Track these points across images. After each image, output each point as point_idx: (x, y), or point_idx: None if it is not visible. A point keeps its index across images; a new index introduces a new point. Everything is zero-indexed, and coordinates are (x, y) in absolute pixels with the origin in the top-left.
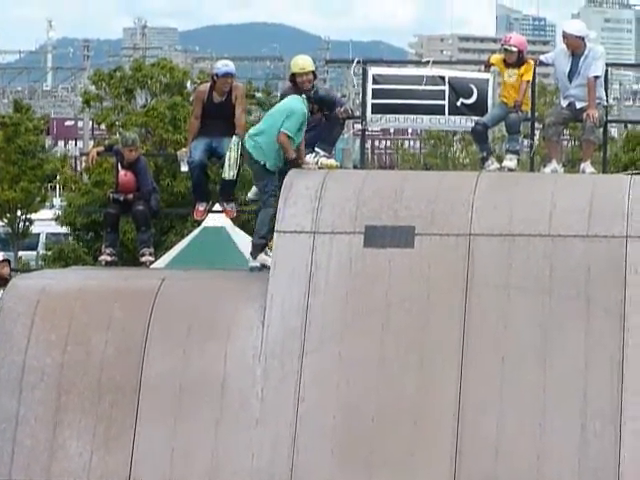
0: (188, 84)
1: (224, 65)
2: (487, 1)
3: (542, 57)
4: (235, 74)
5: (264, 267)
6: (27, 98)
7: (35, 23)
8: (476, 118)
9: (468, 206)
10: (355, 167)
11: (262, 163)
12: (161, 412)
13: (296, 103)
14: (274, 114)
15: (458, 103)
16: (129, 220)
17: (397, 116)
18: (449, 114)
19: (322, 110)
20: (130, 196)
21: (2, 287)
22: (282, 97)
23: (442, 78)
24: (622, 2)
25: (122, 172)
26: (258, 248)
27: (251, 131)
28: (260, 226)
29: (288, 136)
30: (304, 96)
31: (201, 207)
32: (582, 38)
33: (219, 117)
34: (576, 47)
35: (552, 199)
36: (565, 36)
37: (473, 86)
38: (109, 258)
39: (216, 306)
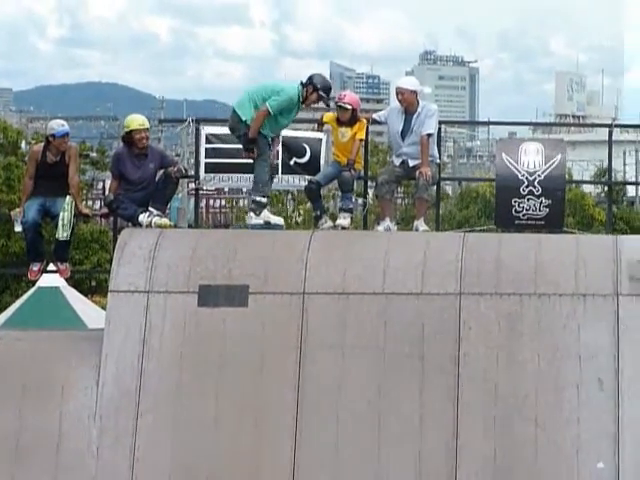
0: (22, 144)
1: (60, 125)
2: (320, 60)
3: (375, 115)
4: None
5: (268, 225)
6: None
7: None
8: (309, 177)
9: (302, 264)
10: (190, 226)
11: (244, 120)
12: None
13: (291, 89)
14: (267, 85)
15: (291, 162)
16: None
17: (230, 175)
18: (282, 173)
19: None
20: None
21: None
22: (115, 158)
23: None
24: (456, 60)
25: None
26: (261, 204)
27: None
28: (257, 181)
29: (268, 112)
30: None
31: (35, 267)
32: (415, 93)
33: (53, 177)
34: (410, 103)
35: (385, 257)
36: (399, 92)
37: (306, 145)
38: None
39: (51, 366)
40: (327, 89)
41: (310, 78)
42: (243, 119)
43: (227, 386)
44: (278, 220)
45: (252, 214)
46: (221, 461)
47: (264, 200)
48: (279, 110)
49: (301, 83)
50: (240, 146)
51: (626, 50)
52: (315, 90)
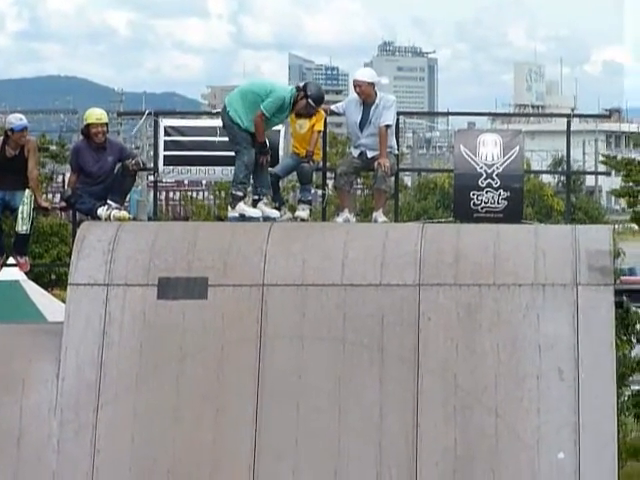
0: None
1: (19, 120)
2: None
3: (333, 107)
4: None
5: (243, 217)
6: None
7: None
8: (268, 169)
9: (261, 256)
10: (149, 219)
11: (230, 114)
12: None
13: (282, 90)
14: (256, 83)
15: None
16: None
17: (189, 168)
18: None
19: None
20: None
21: None
22: (74, 151)
23: None
24: (415, 50)
25: None
26: (236, 197)
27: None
28: (236, 174)
29: (265, 117)
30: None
31: None
32: (373, 85)
33: (12, 171)
34: (368, 95)
35: (345, 248)
36: (356, 84)
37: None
38: None
39: (10, 360)
40: (318, 99)
41: (305, 85)
42: (236, 121)
43: (187, 378)
44: (254, 213)
45: (229, 207)
46: (182, 452)
47: (240, 194)
48: (273, 112)
49: (296, 87)
50: (202, 138)
51: (584, 39)
52: (305, 97)
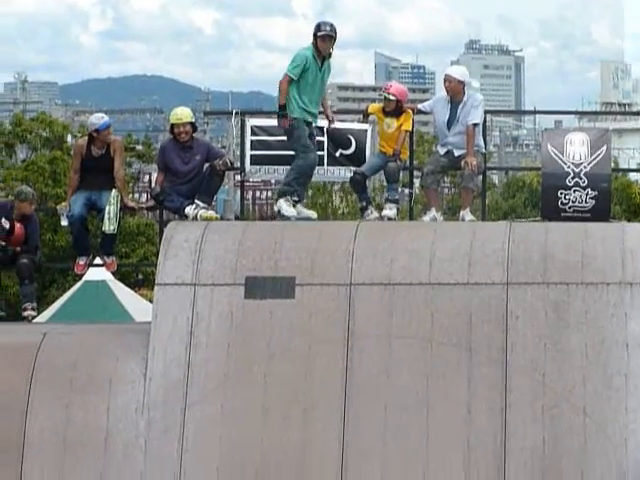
0: (68, 138)
1: (100, 119)
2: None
3: (420, 105)
4: (112, 125)
5: (278, 213)
6: None
7: None
8: (355, 168)
9: (348, 256)
10: (236, 218)
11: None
12: (46, 468)
13: (301, 50)
14: None
15: (337, 154)
16: (10, 274)
17: (276, 167)
18: (328, 165)
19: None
20: (18, 249)
21: None
22: (161, 149)
23: (321, 129)
24: (501, 48)
25: (18, 225)
26: (280, 193)
27: None
28: (287, 173)
29: (291, 79)
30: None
31: (82, 261)
32: (463, 84)
33: (98, 171)
34: (456, 92)
35: (432, 247)
36: (447, 79)
37: (351, 137)
38: None
39: (98, 360)
40: (320, 26)
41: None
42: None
43: (275, 377)
44: (290, 212)
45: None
46: (270, 451)
47: (285, 189)
48: (298, 73)
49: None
50: (285, 138)
51: None
52: (315, 37)
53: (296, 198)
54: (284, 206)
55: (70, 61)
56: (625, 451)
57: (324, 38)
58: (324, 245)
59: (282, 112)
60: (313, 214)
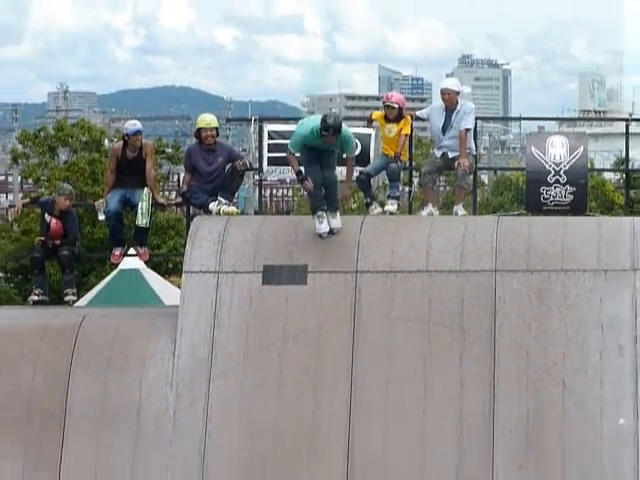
0: (105, 142)
1: (132, 125)
2: (368, 63)
3: (418, 113)
4: (142, 131)
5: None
6: None
7: None
8: (360, 168)
9: (355, 246)
10: (255, 213)
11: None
12: (84, 435)
13: (308, 121)
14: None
15: (344, 155)
16: (54, 263)
17: (290, 168)
18: (337, 165)
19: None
20: (57, 242)
21: None
22: (187, 152)
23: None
24: (491, 62)
25: (54, 220)
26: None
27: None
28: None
29: (291, 152)
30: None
31: (117, 251)
32: (458, 93)
33: (132, 171)
34: (451, 102)
35: (429, 239)
36: (445, 92)
37: (357, 140)
38: (36, 298)
39: (132, 340)
40: (326, 128)
41: (323, 117)
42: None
43: (289, 356)
44: (322, 229)
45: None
46: (284, 419)
47: (316, 212)
48: (298, 149)
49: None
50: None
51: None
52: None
53: (324, 208)
54: (316, 224)
55: (106, 73)
56: (600, 419)
57: (327, 135)
58: (333, 237)
59: (300, 178)
60: (338, 224)
